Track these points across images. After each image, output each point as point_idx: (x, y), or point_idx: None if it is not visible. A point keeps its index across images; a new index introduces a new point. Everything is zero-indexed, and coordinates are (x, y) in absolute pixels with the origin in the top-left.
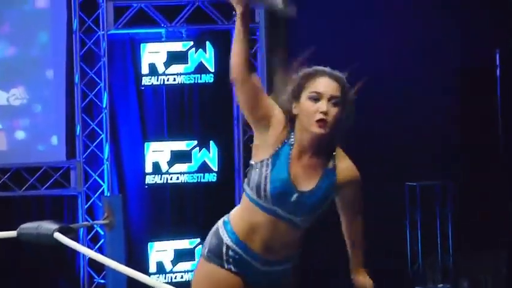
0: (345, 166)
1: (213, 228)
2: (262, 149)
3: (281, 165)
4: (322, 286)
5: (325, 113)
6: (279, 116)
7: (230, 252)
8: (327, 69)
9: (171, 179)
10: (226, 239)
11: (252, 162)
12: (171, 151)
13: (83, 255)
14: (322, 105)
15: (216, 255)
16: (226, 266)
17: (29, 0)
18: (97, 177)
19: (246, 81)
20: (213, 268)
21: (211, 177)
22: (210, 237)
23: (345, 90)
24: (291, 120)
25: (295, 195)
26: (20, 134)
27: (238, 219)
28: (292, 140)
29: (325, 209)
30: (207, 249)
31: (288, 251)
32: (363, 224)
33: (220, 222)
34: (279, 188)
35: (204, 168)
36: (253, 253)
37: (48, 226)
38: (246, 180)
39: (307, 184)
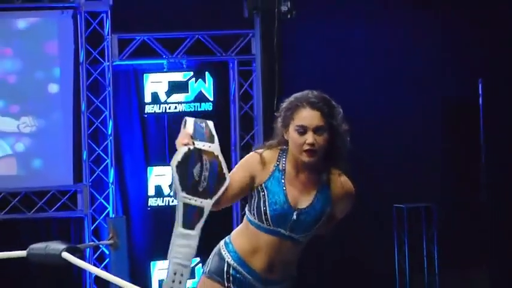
0: (339, 181)
1: (215, 249)
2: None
3: (276, 188)
4: None
5: (312, 144)
6: (252, 166)
7: (231, 271)
8: (308, 96)
9: (172, 202)
10: (228, 258)
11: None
12: None
13: (89, 273)
14: (309, 137)
15: (217, 274)
16: (226, 285)
17: (38, 35)
18: (102, 200)
19: (225, 202)
20: (214, 286)
21: None
22: (212, 257)
23: (329, 115)
24: (285, 143)
25: (294, 214)
26: (30, 160)
27: (240, 240)
28: (283, 164)
29: (322, 224)
30: (208, 268)
31: (287, 268)
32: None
33: (221, 243)
34: (279, 210)
35: None
36: (255, 272)
37: (56, 246)
38: (247, 206)
39: (304, 201)
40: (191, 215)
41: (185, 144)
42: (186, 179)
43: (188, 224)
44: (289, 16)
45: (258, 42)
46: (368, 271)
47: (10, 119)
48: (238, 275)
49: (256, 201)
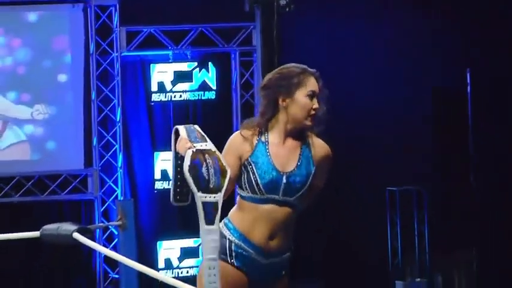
0: (317, 143)
1: None
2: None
3: (262, 159)
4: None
5: (317, 109)
6: (237, 147)
7: (233, 247)
8: (304, 67)
9: None
10: (230, 236)
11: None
12: None
13: (99, 253)
14: (315, 102)
15: (221, 252)
16: (230, 261)
17: (50, 27)
18: (111, 184)
19: (228, 190)
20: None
21: None
22: None
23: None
24: (272, 115)
25: (284, 178)
26: (43, 145)
27: (238, 218)
28: (265, 136)
29: (308, 189)
30: None
31: (285, 238)
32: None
33: (221, 224)
34: (268, 178)
35: None
36: (256, 247)
37: (67, 227)
38: (238, 186)
39: (290, 164)
40: (210, 212)
41: (189, 148)
42: (199, 180)
43: (209, 220)
44: (287, 9)
45: (258, 34)
46: (362, 251)
47: (24, 106)
48: (240, 250)
49: (246, 176)
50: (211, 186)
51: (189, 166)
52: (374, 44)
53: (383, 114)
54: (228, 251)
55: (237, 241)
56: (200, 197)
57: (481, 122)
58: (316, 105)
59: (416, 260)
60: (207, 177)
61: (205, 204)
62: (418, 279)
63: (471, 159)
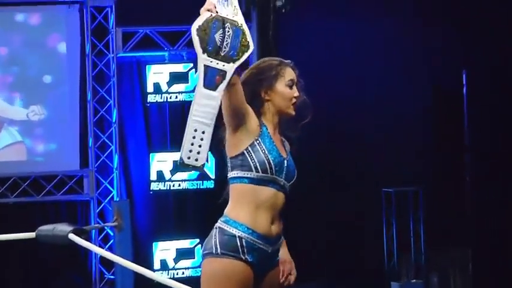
0: (285, 139)
1: (213, 232)
2: (244, 139)
3: (268, 140)
4: None
5: (297, 97)
6: (250, 108)
7: (244, 243)
8: (278, 58)
9: (173, 186)
10: (238, 232)
11: (237, 153)
12: (174, 161)
13: (95, 253)
14: (295, 91)
15: (231, 250)
16: (243, 258)
17: (46, 28)
18: (107, 184)
19: (233, 85)
20: (228, 261)
21: (209, 184)
22: (214, 238)
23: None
24: (258, 108)
25: (285, 161)
26: (38, 146)
27: (239, 213)
28: (263, 123)
29: None
30: (219, 248)
31: (280, 222)
32: None
33: (220, 224)
34: (277, 157)
35: (202, 176)
36: (262, 236)
37: (63, 228)
38: (235, 172)
39: (283, 151)
40: (212, 77)
41: (208, 10)
42: (207, 43)
43: (210, 85)
44: (283, 10)
45: (254, 35)
46: (358, 252)
47: (19, 107)
48: (250, 245)
49: (254, 156)
50: (222, 53)
51: (199, 26)
52: (372, 45)
53: (378, 116)
54: (240, 249)
55: (246, 235)
56: (204, 59)
57: (476, 123)
58: (296, 93)
59: (412, 261)
60: (219, 44)
61: (207, 68)
62: (414, 280)
63: (467, 159)
